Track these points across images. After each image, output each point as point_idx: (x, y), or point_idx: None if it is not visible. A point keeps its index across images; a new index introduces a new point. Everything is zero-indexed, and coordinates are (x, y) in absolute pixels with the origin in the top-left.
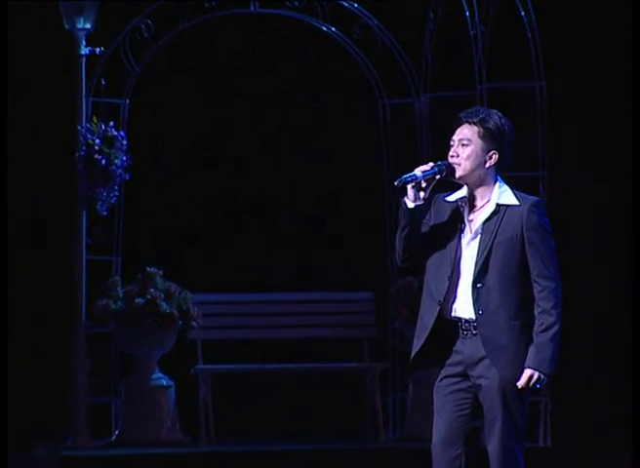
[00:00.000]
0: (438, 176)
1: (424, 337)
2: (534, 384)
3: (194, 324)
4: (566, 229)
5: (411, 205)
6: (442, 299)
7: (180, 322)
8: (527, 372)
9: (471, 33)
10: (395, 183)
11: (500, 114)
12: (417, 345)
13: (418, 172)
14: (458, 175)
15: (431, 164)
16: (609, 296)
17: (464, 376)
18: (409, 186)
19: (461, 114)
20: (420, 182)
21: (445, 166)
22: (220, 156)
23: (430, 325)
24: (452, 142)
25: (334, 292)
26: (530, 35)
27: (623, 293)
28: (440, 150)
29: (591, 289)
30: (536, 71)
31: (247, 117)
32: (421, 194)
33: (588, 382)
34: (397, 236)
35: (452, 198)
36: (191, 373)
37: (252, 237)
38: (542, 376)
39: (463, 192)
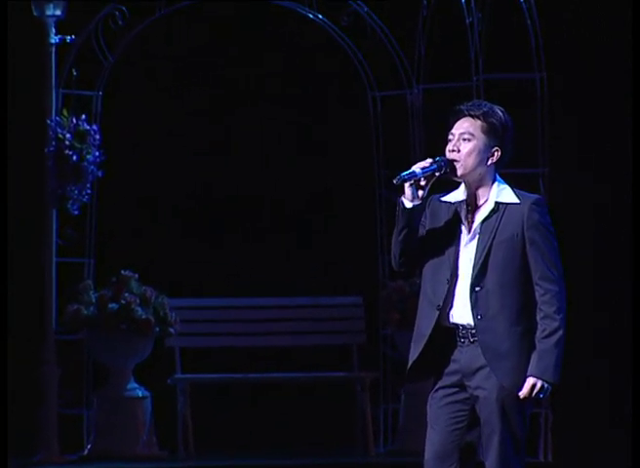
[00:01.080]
0: (438, 174)
1: (422, 346)
2: (537, 394)
3: (172, 330)
4: (566, 228)
5: (409, 205)
6: (441, 304)
7: (157, 328)
8: (529, 381)
9: (467, 21)
10: (394, 182)
11: (502, 109)
12: (414, 354)
13: (416, 169)
14: (459, 172)
15: (430, 160)
16: (609, 298)
17: (461, 387)
18: (406, 185)
19: (462, 106)
20: (419, 180)
21: (444, 162)
22: (199, 152)
23: (429, 332)
24: (450, 136)
25: (321, 296)
26: (529, 23)
27: (624, 293)
28: (434, 145)
29: (591, 289)
30: (535, 62)
31: (228, 110)
32: (420, 193)
33: (589, 389)
34: (394, 239)
35: (448, 198)
36: (169, 384)
37: (234, 238)
38: (546, 385)
39: (460, 191)
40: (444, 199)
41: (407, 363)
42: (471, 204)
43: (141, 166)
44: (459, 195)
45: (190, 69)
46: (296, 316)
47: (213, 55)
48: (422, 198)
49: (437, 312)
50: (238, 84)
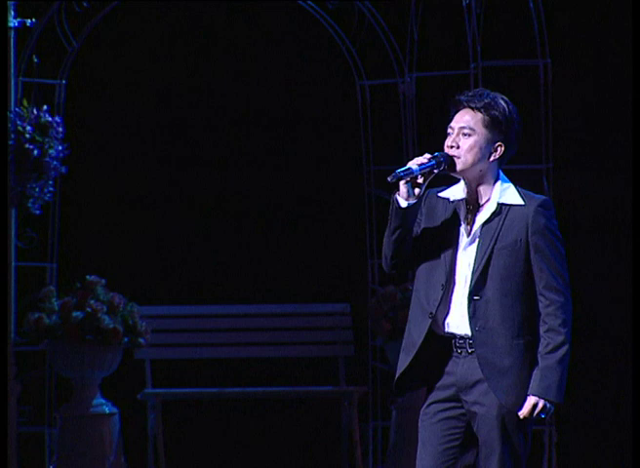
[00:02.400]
0: (436, 170)
1: (412, 355)
2: (538, 414)
3: (142, 341)
4: (571, 229)
5: (404, 203)
6: (434, 311)
7: (126, 339)
8: (530, 400)
9: (464, 3)
10: (388, 179)
11: (506, 99)
12: (403, 364)
13: (413, 165)
14: (458, 168)
15: (428, 156)
16: (614, 303)
17: (456, 401)
18: (401, 182)
19: (462, 97)
20: (415, 178)
21: (444, 158)
22: (172, 146)
23: (420, 341)
24: (449, 130)
25: (305, 303)
26: (532, 4)
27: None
28: (428, 138)
29: (597, 290)
30: (539, 47)
31: (204, 101)
32: (416, 191)
33: (595, 406)
34: (386, 239)
35: (446, 194)
36: (138, 399)
37: (210, 240)
38: (549, 405)
39: (460, 188)
40: (442, 194)
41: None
42: (472, 203)
43: (109, 161)
44: (458, 192)
45: (163, 56)
46: (277, 325)
47: (189, 40)
48: (419, 196)
49: (430, 319)
50: (217, 71)
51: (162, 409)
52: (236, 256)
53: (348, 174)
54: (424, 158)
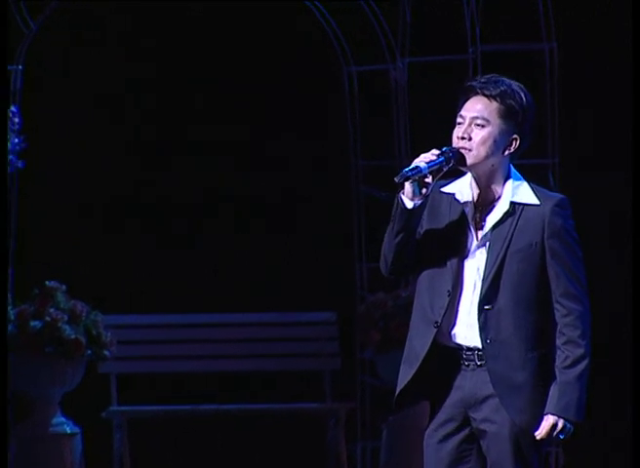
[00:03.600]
0: (445, 168)
1: (415, 368)
2: (557, 435)
3: (107, 353)
4: (581, 229)
5: (409, 204)
6: (440, 321)
7: (89, 351)
8: (549, 420)
9: None
10: (396, 180)
11: (521, 86)
12: (404, 378)
13: (421, 163)
14: (469, 162)
15: (437, 152)
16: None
17: (465, 420)
18: (408, 182)
19: (474, 83)
20: (424, 176)
21: (453, 153)
22: (137, 139)
23: (424, 352)
24: (459, 119)
25: (286, 312)
26: None
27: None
28: (422, 129)
29: (607, 292)
30: (544, 30)
31: (172, 90)
32: (423, 190)
33: (604, 426)
34: (387, 241)
35: (450, 189)
36: (103, 417)
37: (181, 243)
38: (568, 425)
39: (466, 183)
40: (446, 189)
41: (390, 391)
42: (480, 201)
43: (70, 156)
44: (464, 187)
45: (130, 40)
46: (256, 336)
47: (159, 23)
48: (426, 195)
49: (434, 329)
50: (189, 56)
51: (129, 428)
52: (211, 260)
53: (334, 169)
54: (432, 154)
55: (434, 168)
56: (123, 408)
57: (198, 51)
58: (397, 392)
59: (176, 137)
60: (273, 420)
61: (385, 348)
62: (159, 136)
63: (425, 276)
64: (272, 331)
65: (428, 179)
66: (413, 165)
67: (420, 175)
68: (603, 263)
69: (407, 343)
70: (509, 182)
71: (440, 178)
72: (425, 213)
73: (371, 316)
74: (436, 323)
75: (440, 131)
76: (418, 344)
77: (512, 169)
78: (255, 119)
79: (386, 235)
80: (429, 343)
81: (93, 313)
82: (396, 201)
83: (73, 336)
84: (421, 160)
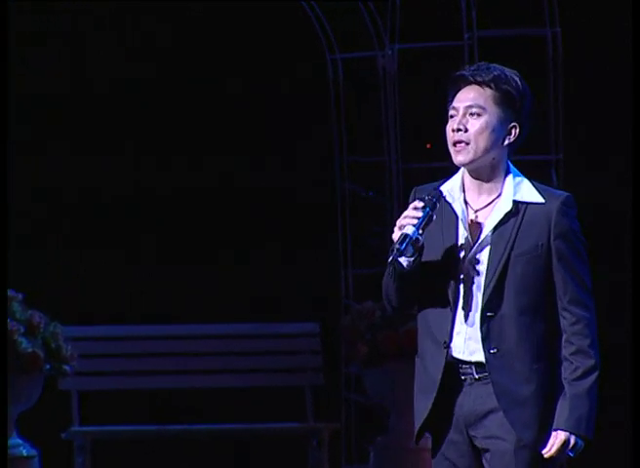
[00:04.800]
0: (435, 217)
1: (434, 395)
2: (567, 452)
3: (67, 368)
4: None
5: (406, 263)
6: (448, 339)
7: (48, 366)
8: (559, 436)
9: None
10: (390, 259)
11: (516, 72)
12: (424, 408)
13: (408, 228)
14: (468, 158)
15: (420, 204)
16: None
17: (469, 443)
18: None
19: (465, 72)
20: (416, 239)
21: (435, 197)
22: (98, 131)
23: (439, 376)
24: (452, 112)
25: (264, 323)
26: None
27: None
28: (413, 122)
29: (607, 293)
30: (547, 14)
31: (143, 81)
32: (418, 246)
33: (611, 441)
34: (388, 287)
35: (448, 196)
36: (63, 439)
37: (151, 247)
38: (580, 442)
39: (457, 181)
40: (444, 196)
41: (378, 411)
42: (477, 201)
43: (30, 152)
44: (455, 186)
45: (103, 19)
46: (231, 349)
47: (143, 11)
48: (421, 247)
49: (445, 350)
50: (162, 40)
51: (91, 450)
52: (180, 266)
53: (318, 165)
54: (416, 210)
55: (424, 223)
56: (85, 428)
57: (176, 35)
58: (417, 427)
59: (154, 133)
60: (249, 441)
61: (373, 362)
62: (127, 130)
63: (426, 293)
64: (249, 344)
65: (421, 237)
66: (400, 235)
67: (412, 241)
68: (603, 264)
69: (417, 365)
70: (509, 179)
71: (430, 181)
72: None
73: (357, 327)
74: (445, 343)
75: (433, 123)
76: (431, 369)
77: (510, 164)
78: (233, 111)
79: (386, 281)
80: (443, 366)
81: (52, 324)
82: (391, 263)
83: (30, 350)
84: (407, 223)
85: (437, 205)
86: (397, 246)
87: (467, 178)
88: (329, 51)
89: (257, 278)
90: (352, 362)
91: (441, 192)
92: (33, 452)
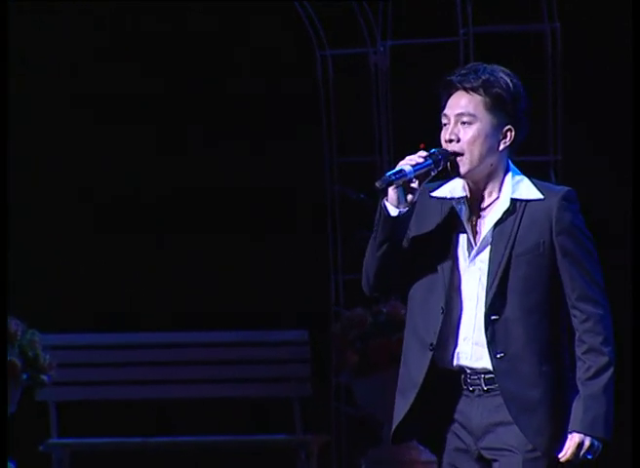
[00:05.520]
0: (434, 172)
1: (412, 398)
2: (584, 455)
3: (45, 378)
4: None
5: (394, 212)
6: (435, 342)
7: (25, 375)
8: (574, 439)
9: None
10: (377, 185)
11: (506, 71)
12: (401, 410)
13: (406, 166)
14: (462, 170)
15: (424, 154)
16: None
17: (478, 457)
18: (391, 187)
19: (453, 77)
20: (409, 181)
21: (442, 155)
22: (79, 129)
23: (421, 379)
24: (444, 120)
25: (250, 330)
26: None
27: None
28: (406, 121)
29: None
30: (545, 9)
31: (124, 79)
32: (409, 197)
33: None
34: (369, 255)
35: (441, 192)
36: (41, 451)
37: (130, 252)
38: (597, 443)
39: (459, 183)
40: (436, 194)
41: (370, 422)
42: (476, 202)
43: (29, 152)
44: (457, 188)
45: (102, 19)
46: (216, 357)
47: (128, 4)
48: (412, 202)
49: (430, 352)
50: (152, 38)
51: (70, 463)
52: (163, 271)
53: (306, 166)
54: (419, 156)
55: (421, 172)
56: (64, 440)
57: (176, 34)
58: (394, 427)
59: (131, 133)
60: (236, 454)
61: (364, 372)
62: (106, 135)
63: (416, 293)
64: (234, 353)
65: (414, 184)
66: (397, 168)
67: (404, 179)
68: (603, 264)
69: (401, 370)
70: (508, 178)
71: (431, 180)
72: (413, 219)
73: (347, 335)
74: (431, 345)
75: (426, 123)
76: (414, 371)
77: (511, 164)
78: (215, 111)
79: (368, 248)
80: (426, 369)
81: (29, 332)
82: (379, 208)
83: (7, 359)
84: (407, 162)
85: (441, 163)
86: (388, 174)
87: (470, 181)
88: (318, 47)
89: (242, 284)
90: (342, 371)
91: (444, 155)
92: (10, 466)
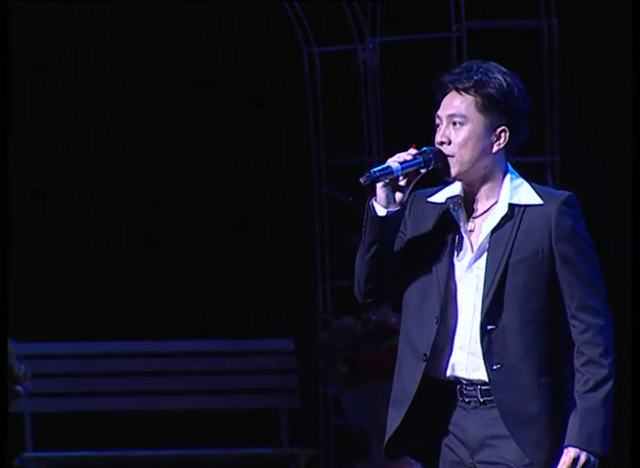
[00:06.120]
0: (423, 170)
1: (405, 410)
2: None
3: (20, 389)
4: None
5: (382, 212)
6: (429, 353)
7: None
8: (570, 454)
9: None
10: (361, 180)
11: (502, 68)
12: (393, 422)
13: (393, 163)
14: (454, 171)
15: (414, 151)
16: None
17: (473, 466)
18: (379, 185)
19: (445, 78)
20: (396, 179)
21: (434, 154)
22: (79, 129)
23: (413, 391)
24: (437, 121)
25: (235, 339)
26: None
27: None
28: (396, 121)
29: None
30: (542, 4)
31: (106, 75)
32: (398, 196)
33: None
34: (359, 258)
35: (438, 198)
36: (15, 465)
37: (109, 257)
38: (593, 458)
39: (457, 188)
40: (432, 199)
41: (359, 435)
42: (473, 207)
43: (27, 152)
44: (454, 193)
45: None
46: (199, 367)
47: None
48: (401, 203)
49: (424, 363)
50: (137, 39)
51: None
52: (142, 278)
53: (293, 168)
54: (409, 154)
55: (409, 170)
56: (40, 453)
57: (157, 30)
58: (386, 440)
59: (112, 134)
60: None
61: (353, 382)
62: (86, 133)
63: (411, 299)
64: (217, 363)
65: (402, 182)
66: (384, 165)
67: (390, 176)
68: (603, 264)
69: (394, 380)
70: (507, 182)
71: (431, 185)
72: (408, 224)
73: (336, 344)
74: (425, 355)
75: (418, 123)
76: (407, 381)
77: (509, 167)
78: (199, 110)
79: (358, 253)
80: (419, 380)
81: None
82: (366, 208)
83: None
84: (394, 159)
85: (432, 163)
86: (373, 169)
87: (467, 185)
88: (305, 44)
89: (225, 290)
90: (331, 382)
91: (436, 153)
92: None
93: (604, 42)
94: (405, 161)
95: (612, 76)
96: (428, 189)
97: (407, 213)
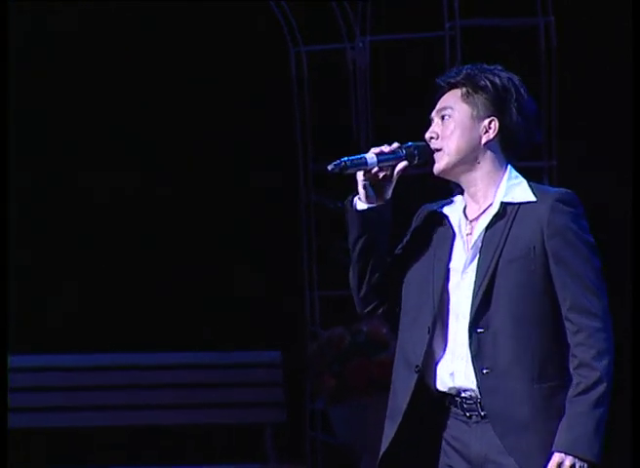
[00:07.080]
0: (403, 164)
1: (398, 423)
2: None
3: None
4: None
5: (361, 206)
6: (421, 364)
7: None
8: (555, 459)
9: None
10: (328, 168)
11: (499, 68)
12: (388, 436)
13: (369, 154)
14: (441, 164)
15: (396, 145)
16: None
17: None
18: (359, 179)
19: (440, 78)
20: (369, 171)
21: (417, 149)
22: (79, 129)
23: (405, 403)
24: (431, 121)
25: (219, 351)
26: None
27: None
28: (387, 122)
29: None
30: (539, 1)
31: (106, 75)
32: (380, 191)
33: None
34: (351, 265)
35: (441, 207)
36: None
37: (92, 266)
38: (580, 464)
39: (458, 196)
40: (436, 209)
41: (348, 452)
42: (472, 210)
43: (27, 152)
44: (459, 198)
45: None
46: (182, 381)
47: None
48: (385, 199)
49: (415, 374)
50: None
51: None
52: (126, 288)
53: (279, 174)
54: (389, 147)
55: (387, 163)
56: None
57: (143, 32)
58: (380, 454)
59: (95, 137)
60: None
61: (341, 397)
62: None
63: (407, 311)
64: (201, 376)
65: (380, 176)
66: (358, 155)
67: (363, 168)
68: (603, 264)
69: (390, 394)
70: (504, 182)
71: (405, 187)
72: (410, 237)
73: (324, 356)
74: (417, 367)
75: (410, 124)
76: (400, 394)
77: (510, 167)
78: (182, 112)
79: (351, 260)
80: (411, 392)
81: None
82: (346, 204)
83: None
84: (372, 151)
85: (416, 158)
86: (344, 158)
87: (465, 188)
88: (292, 43)
89: (212, 301)
90: (319, 396)
91: (420, 148)
92: None
93: (603, 38)
94: (382, 153)
95: (612, 76)
96: (436, 202)
97: (413, 226)
